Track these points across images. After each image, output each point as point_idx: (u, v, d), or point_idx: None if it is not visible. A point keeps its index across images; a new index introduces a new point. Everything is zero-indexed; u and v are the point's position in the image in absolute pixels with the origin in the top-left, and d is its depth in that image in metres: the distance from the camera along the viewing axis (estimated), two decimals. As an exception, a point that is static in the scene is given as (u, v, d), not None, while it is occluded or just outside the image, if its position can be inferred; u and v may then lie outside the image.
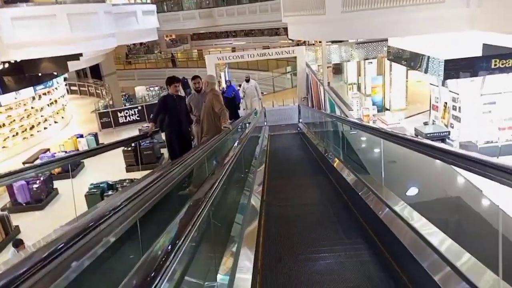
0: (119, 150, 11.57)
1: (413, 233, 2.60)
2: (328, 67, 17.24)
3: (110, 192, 9.53)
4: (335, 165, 5.44)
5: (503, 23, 5.75)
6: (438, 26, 7.15)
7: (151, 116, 7.18)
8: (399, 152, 3.42)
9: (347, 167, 4.81)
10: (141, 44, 42.26)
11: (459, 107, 10.86)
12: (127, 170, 12.05)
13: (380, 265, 2.93)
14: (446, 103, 11.59)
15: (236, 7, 30.30)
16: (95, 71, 26.73)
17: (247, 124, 9.09)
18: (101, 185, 9.72)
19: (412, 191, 3.61)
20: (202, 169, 3.92)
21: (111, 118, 17.63)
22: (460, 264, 2.09)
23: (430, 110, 13.01)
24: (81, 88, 27.82)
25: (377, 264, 2.95)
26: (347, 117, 6.68)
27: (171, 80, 5.67)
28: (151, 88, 37.31)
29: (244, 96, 12.76)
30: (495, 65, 9.51)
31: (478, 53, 9.59)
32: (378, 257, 3.04)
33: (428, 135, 9.41)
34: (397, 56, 12.91)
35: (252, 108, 11.86)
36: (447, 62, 9.62)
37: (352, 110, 9.73)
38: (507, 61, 9.48)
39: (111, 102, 20.86)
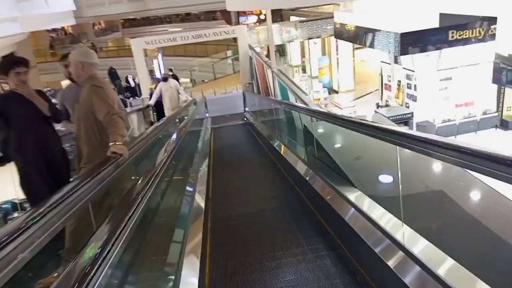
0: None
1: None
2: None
3: (15, 214, 7.59)
4: (297, 167, 4.17)
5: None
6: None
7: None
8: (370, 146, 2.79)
9: (317, 174, 3.57)
10: (65, 33, 38.36)
11: (415, 85, 10.12)
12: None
13: (341, 266, 2.58)
14: (399, 81, 10.84)
15: (168, -11, 27.93)
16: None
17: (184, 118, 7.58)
18: (3, 206, 7.72)
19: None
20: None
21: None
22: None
23: (381, 90, 12.28)
24: (-8, 86, 24.19)
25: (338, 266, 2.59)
26: (308, 105, 5.40)
27: (8, 64, 3.03)
28: (81, 82, 34.16)
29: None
30: (452, 37, 8.79)
31: (435, 24, 8.81)
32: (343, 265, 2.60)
33: (390, 118, 8.52)
34: (345, 33, 11.95)
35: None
36: (403, 36, 8.72)
37: (307, 94, 8.53)
38: (464, 32, 8.78)
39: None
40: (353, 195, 2.81)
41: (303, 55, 19.26)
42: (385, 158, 3.02)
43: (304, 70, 18.62)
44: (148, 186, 2.39)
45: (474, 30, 8.67)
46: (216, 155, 6.92)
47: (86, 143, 2.87)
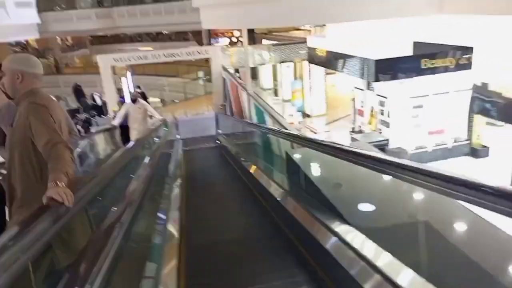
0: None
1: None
2: (245, 71, 15.89)
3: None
4: (278, 197, 3.84)
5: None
6: (402, 10, 6.02)
7: None
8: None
9: (297, 201, 3.28)
10: (24, 48, 36.79)
11: (388, 112, 10.18)
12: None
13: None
14: (372, 107, 10.89)
15: (139, 7, 27.47)
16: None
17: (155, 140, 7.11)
18: None
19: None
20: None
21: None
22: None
23: (354, 115, 12.31)
24: None
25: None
26: (287, 129, 5.12)
27: None
28: (44, 98, 32.70)
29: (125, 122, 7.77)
30: (424, 65, 8.93)
31: (408, 51, 8.95)
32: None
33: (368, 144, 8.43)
34: (317, 58, 11.99)
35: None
36: (378, 63, 8.76)
37: (285, 118, 8.31)
38: (436, 61, 8.95)
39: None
40: (340, 227, 2.57)
41: (275, 79, 19.27)
42: (370, 187, 2.83)
43: (276, 94, 18.59)
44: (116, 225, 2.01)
45: (446, 60, 8.86)
46: (189, 180, 6.49)
47: (20, 179, 2.12)
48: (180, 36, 34.08)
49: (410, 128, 10.04)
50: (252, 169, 5.39)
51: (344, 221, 2.65)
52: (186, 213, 4.35)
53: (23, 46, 38.16)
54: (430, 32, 8.41)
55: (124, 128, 8.01)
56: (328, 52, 11.20)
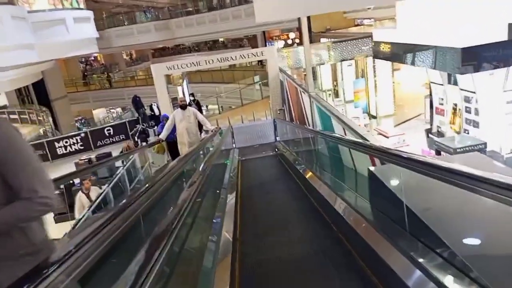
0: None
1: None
2: (301, 73, 14.90)
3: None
4: (357, 230, 2.85)
5: None
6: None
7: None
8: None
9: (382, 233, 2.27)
10: (88, 64, 38.96)
11: (476, 109, 8.61)
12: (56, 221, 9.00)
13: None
14: (455, 104, 9.35)
15: (195, 17, 27.82)
16: (42, 96, 23.76)
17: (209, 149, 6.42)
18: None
19: None
20: None
21: (47, 150, 14.45)
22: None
23: (431, 114, 10.77)
24: (21, 116, 24.35)
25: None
26: (368, 140, 4.07)
27: None
28: (112, 110, 34.29)
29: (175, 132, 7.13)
30: (524, 51, 7.32)
31: (503, 36, 7.40)
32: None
33: (458, 150, 7.05)
34: (386, 53, 10.65)
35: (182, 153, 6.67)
36: (464, 52, 7.33)
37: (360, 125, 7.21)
38: (539, 44, 7.30)
39: (51, 130, 17.70)
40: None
41: (334, 79, 18.06)
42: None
43: (336, 95, 17.37)
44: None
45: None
46: (244, 194, 5.65)
47: None
48: (236, 43, 34.23)
49: (504, 127, 8.42)
50: (317, 184, 4.40)
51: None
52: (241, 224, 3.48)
53: (90, 62, 40.73)
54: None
55: (172, 143, 7.29)
56: (400, 44, 9.82)
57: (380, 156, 2.53)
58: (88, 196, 6.00)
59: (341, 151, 4.47)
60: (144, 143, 9.87)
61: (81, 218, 4.05)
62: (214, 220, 3.63)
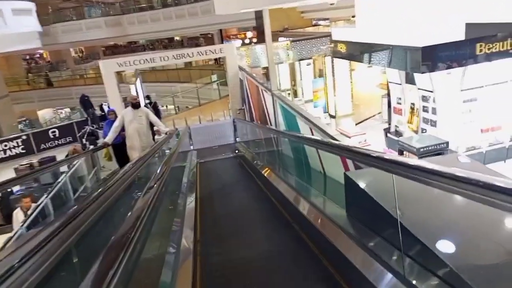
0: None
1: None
2: (259, 72, 14.61)
3: None
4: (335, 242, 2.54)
5: None
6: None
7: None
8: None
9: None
10: (33, 61, 36.50)
11: (433, 108, 8.73)
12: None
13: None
14: (413, 104, 9.45)
15: (149, 13, 26.76)
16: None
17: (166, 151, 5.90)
18: None
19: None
20: None
21: (-17, 155, 13.11)
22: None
23: (388, 114, 10.88)
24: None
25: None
26: (337, 140, 3.79)
27: None
28: (60, 110, 32.13)
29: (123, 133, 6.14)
30: (480, 51, 7.46)
31: (461, 36, 7.50)
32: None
33: (421, 150, 7.01)
34: (345, 52, 10.60)
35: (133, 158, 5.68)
36: (424, 51, 7.35)
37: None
38: (494, 45, 7.48)
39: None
40: None
41: (292, 78, 17.98)
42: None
43: (295, 94, 17.28)
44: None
45: (507, 43, 7.39)
46: (204, 198, 5.23)
47: None
48: (192, 42, 33.40)
49: (460, 126, 8.60)
50: (281, 187, 4.08)
51: None
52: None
53: (36, 60, 38.12)
54: (486, 11, 6.97)
55: (119, 146, 6.34)
56: (359, 43, 9.77)
57: (364, 160, 2.21)
58: (26, 215, 5.27)
59: (307, 151, 4.18)
60: (92, 146, 9.05)
61: (12, 237, 3.44)
62: (173, 227, 3.20)
